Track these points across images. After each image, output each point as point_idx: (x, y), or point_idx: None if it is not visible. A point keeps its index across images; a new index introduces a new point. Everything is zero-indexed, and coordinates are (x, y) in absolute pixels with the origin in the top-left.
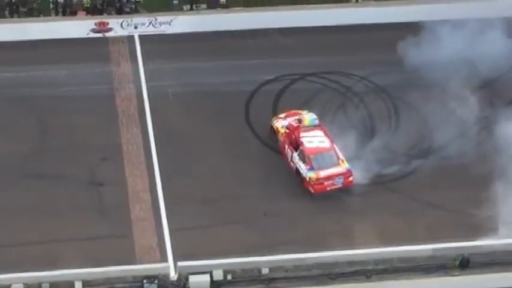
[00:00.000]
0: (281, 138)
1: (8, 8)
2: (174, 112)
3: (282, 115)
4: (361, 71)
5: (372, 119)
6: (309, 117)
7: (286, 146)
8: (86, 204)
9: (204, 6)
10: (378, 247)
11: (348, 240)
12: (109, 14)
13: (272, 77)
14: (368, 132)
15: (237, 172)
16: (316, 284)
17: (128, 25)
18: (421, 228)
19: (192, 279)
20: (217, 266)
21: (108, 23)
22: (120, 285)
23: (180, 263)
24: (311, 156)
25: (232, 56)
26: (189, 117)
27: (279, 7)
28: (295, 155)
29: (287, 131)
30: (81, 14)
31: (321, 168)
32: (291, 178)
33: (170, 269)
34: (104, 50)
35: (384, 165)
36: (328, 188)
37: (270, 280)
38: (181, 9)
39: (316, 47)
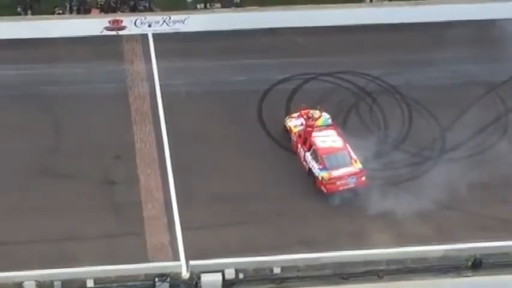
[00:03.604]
0: (294, 137)
1: (21, 6)
2: (187, 111)
3: (295, 114)
4: (375, 71)
5: (385, 119)
6: (322, 116)
7: (299, 146)
8: (99, 203)
9: (218, 5)
10: (390, 247)
11: (360, 240)
12: (123, 12)
13: (285, 76)
14: (381, 132)
15: (250, 171)
16: (328, 284)
17: (141, 23)
18: (434, 229)
19: (204, 278)
20: (229, 265)
21: (122, 21)
22: (132, 283)
23: (192, 262)
24: (324, 155)
25: (245, 55)
26: (202, 116)
27: (293, 6)
28: (308, 154)
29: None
30: (95, 11)
31: (333, 167)
32: (304, 178)
33: (182, 267)
34: (118, 48)
35: (396, 165)
36: (341, 188)
37: (282, 279)
38: (195, 8)
39: (329, 47)
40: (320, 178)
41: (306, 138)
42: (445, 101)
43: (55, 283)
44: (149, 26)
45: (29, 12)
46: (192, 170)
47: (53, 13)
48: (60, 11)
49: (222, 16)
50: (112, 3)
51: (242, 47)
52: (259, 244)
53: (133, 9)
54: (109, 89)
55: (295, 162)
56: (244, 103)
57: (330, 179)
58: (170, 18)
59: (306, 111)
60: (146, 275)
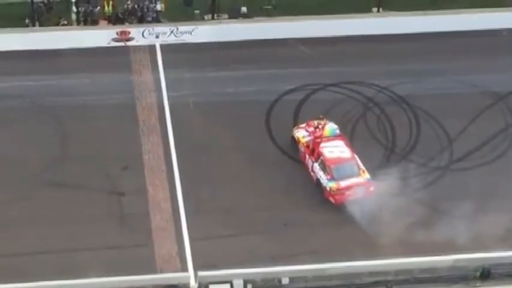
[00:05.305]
0: (302, 148)
1: (29, 18)
2: (194, 121)
3: (303, 125)
4: (383, 81)
5: (393, 129)
6: (329, 127)
7: (307, 156)
8: (107, 214)
9: (225, 16)
10: (398, 257)
11: (368, 251)
12: (130, 23)
13: (293, 86)
14: (389, 143)
15: (258, 182)
16: None
17: (149, 34)
18: (442, 239)
19: None
20: (237, 276)
21: (129, 32)
22: None
23: (200, 273)
24: (332, 166)
25: (253, 65)
26: (210, 127)
27: (300, 17)
28: (316, 165)
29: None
30: (103, 23)
31: (341, 178)
32: (312, 188)
33: (190, 278)
34: (125, 59)
35: (405, 175)
36: (349, 198)
37: None
38: (203, 19)
39: (337, 57)
40: (328, 189)
41: (314, 148)
42: (452, 111)
43: None
44: (157, 37)
45: (37, 24)
46: (199, 180)
47: (57, 23)
48: (65, 22)
49: (230, 27)
50: (120, 15)
51: (249, 58)
52: (268, 254)
53: (141, 20)
54: (117, 99)
55: (303, 172)
56: (252, 114)
57: (338, 189)
58: (178, 29)
59: (312, 122)
60: (154, 286)
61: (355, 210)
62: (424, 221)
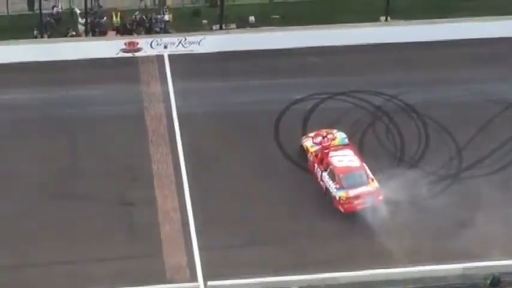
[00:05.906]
0: (311, 157)
1: (38, 29)
2: (203, 131)
3: (312, 134)
4: (391, 90)
5: (402, 138)
6: (338, 136)
7: (316, 165)
8: (116, 224)
9: (233, 26)
10: (408, 266)
11: (378, 260)
12: (139, 33)
13: (302, 96)
14: (398, 152)
15: (267, 191)
16: None
17: (157, 45)
18: (452, 247)
19: None
20: (247, 286)
21: (137, 43)
22: None
23: (209, 283)
24: (341, 175)
25: (261, 75)
26: (219, 137)
27: (308, 26)
28: (325, 174)
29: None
30: (111, 33)
31: (350, 187)
32: (321, 197)
33: None
34: (134, 70)
35: (414, 184)
36: (358, 207)
37: None
38: (211, 29)
39: (345, 66)
40: (337, 198)
41: (322, 157)
42: (461, 119)
43: None
44: (165, 47)
45: (45, 35)
46: (209, 190)
47: (66, 35)
48: (74, 33)
49: (238, 37)
50: (128, 25)
51: (258, 68)
52: (277, 264)
53: (149, 31)
54: (125, 110)
55: (312, 182)
56: (260, 123)
57: (347, 198)
58: (186, 39)
59: (321, 131)
60: None
61: (365, 219)
62: (433, 229)
